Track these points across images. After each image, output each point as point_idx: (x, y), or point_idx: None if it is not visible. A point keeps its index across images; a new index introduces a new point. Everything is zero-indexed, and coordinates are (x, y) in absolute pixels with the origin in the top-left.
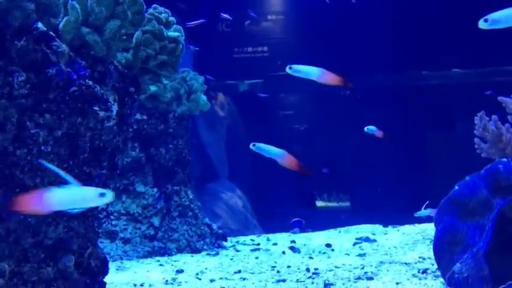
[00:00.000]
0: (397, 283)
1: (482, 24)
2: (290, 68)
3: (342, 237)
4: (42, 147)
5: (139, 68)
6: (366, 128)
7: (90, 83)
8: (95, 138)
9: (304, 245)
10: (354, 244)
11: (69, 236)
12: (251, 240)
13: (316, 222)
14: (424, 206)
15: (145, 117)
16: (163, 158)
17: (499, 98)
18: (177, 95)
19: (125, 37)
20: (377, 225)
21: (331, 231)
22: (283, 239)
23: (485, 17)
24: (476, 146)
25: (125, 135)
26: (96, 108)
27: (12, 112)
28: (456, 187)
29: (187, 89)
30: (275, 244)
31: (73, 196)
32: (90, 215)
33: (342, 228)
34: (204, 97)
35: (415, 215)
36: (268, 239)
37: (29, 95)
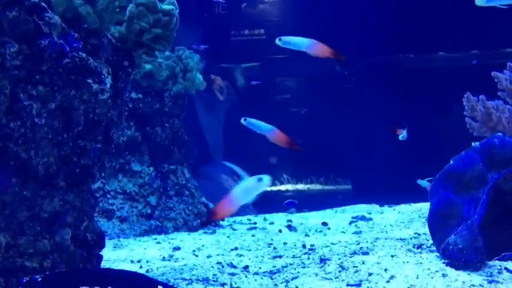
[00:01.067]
0: (392, 256)
1: (478, 2)
2: (280, 39)
3: (339, 216)
4: (36, 120)
5: (133, 41)
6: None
7: (84, 55)
8: (89, 112)
9: (301, 223)
10: (350, 223)
11: (64, 209)
12: (248, 219)
13: (313, 205)
14: (427, 180)
15: (140, 95)
16: (159, 137)
17: (493, 73)
18: (173, 74)
19: (118, 9)
20: (373, 205)
21: (328, 211)
22: (279, 218)
23: None
24: (468, 126)
25: (119, 109)
26: (89, 80)
27: (5, 84)
28: (451, 161)
29: (183, 68)
30: (272, 223)
31: (247, 189)
32: (86, 188)
33: (339, 208)
34: (200, 76)
35: (417, 182)
36: (265, 219)
37: (22, 67)
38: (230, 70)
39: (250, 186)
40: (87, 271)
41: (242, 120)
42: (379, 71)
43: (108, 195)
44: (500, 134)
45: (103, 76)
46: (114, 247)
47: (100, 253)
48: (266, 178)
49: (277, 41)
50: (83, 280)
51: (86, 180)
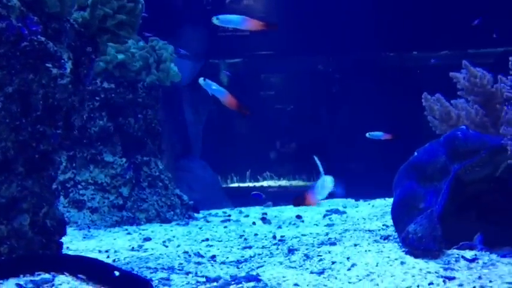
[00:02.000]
0: (355, 245)
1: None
2: (217, 18)
3: (314, 209)
4: None
5: (97, 27)
6: (368, 134)
7: (43, 39)
8: (48, 96)
9: (275, 216)
10: (324, 216)
11: (23, 195)
12: (223, 212)
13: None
14: None
15: (113, 85)
16: (132, 128)
17: (451, 74)
18: (146, 64)
19: None
20: (349, 200)
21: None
22: (255, 211)
23: None
24: (430, 124)
25: (81, 95)
26: (48, 65)
27: None
28: (416, 153)
29: (157, 58)
30: (247, 216)
31: (323, 186)
32: (46, 175)
33: None
34: (175, 68)
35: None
36: (240, 212)
37: None
38: (215, 66)
39: (326, 183)
40: (43, 256)
41: (201, 80)
42: (361, 68)
43: (79, 186)
44: (463, 127)
45: (63, 61)
46: (84, 237)
47: (60, 240)
48: (329, 178)
49: (214, 20)
50: (39, 265)
51: (46, 167)
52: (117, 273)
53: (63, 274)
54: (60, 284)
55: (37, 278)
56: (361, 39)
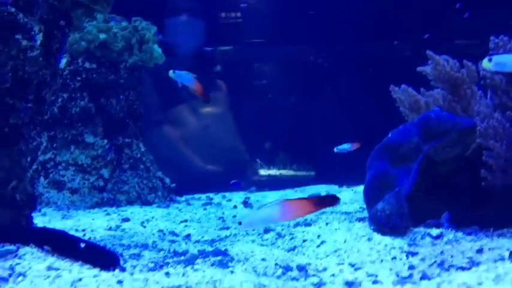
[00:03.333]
0: (326, 224)
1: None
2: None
3: (297, 195)
4: None
5: (71, 1)
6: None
7: (13, 9)
8: (17, 69)
9: (257, 201)
10: None
11: None
12: (206, 196)
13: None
14: None
15: (94, 66)
16: (114, 109)
17: (418, 69)
18: (128, 45)
19: None
20: (332, 186)
21: (288, 190)
22: (239, 196)
23: None
24: (403, 115)
25: (53, 69)
26: (18, 36)
27: None
28: (389, 134)
29: (139, 39)
30: (229, 200)
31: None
32: (16, 149)
33: (299, 188)
34: (159, 49)
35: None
36: (223, 196)
37: None
38: (207, 53)
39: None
40: (6, 228)
41: (171, 73)
42: (347, 58)
43: (60, 167)
44: (437, 108)
45: (33, 32)
46: (62, 217)
47: (31, 214)
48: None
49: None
50: (2, 236)
51: (16, 141)
52: (82, 245)
53: (28, 246)
54: (24, 255)
55: (1, 249)
56: (349, 29)
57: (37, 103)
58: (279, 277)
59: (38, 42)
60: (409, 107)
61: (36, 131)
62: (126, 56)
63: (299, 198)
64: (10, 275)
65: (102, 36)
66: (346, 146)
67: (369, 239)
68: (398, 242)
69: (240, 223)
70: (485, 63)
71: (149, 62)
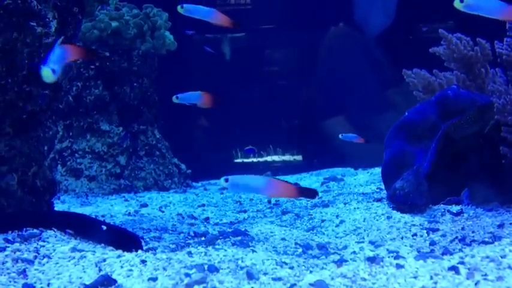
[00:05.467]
0: (345, 204)
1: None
2: (182, 7)
3: (312, 178)
4: None
5: None
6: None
7: None
8: (33, 56)
9: None
10: (322, 183)
11: (11, 155)
12: None
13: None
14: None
15: (107, 54)
16: (128, 96)
17: (431, 50)
18: (141, 32)
19: None
20: (348, 169)
21: (303, 174)
22: None
23: None
24: (418, 98)
25: None
26: (33, 23)
27: None
28: (406, 113)
29: (151, 26)
30: None
31: None
32: (34, 135)
33: (314, 172)
34: (170, 36)
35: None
36: None
37: None
38: (216, 40)
39: None
40: (30, 213)
41: (174, 99)
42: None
43: (76, 155)
44: (454, 86)
45: (47, 19)
46: (82, 204)
47: (51, 200)
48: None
49: (179, 9)
50: (27, 221)
51: (34, 127)
52: (104, 227)
53: (51, 230)
54: (47, 238)
55: (25, 233)
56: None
57: (54, 90)
58: (299, 255)
59: (53, 29)
60: (422, 89)
61: (52, 120)
62: (138, 44)
63: (285, 181)
64: (35, 257)
65: (114, 24)
66: (351, 136)
67: (388, 217)
68: (418, 220)
69: (226, 180)
70: (457, 3)
71: (161, 48)
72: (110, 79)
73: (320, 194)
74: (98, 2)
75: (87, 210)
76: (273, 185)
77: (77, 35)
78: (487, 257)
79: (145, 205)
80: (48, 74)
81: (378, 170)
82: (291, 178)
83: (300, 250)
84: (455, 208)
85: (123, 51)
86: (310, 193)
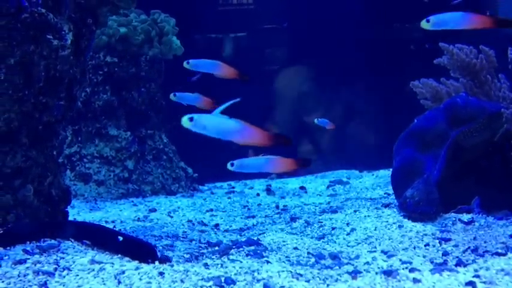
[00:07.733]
0: (355, 211)
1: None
2: (188, 63)
3: (318, 181)
4: None
5: None
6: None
7: (43, 10)
8: (50, 68)
9: (279, 188)
10: (328, 187)
11: (27, 165)
12: (228, 184)
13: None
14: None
15: (115, 59)
16: (135, 101)
17: (435, 61)
18: (148, 38)
19: None
20: (353, 171)
21: (308, 176)
22: (260, 183)
23: None
24: (425, 107)
25: (82, 66)
26: (49, 36)
27: None
28: (415, 121)
29: (159, 31)
30: (251, 188)
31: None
32: (50, 145)
33: (319, 174)
34: (177, 41)
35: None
36: (245, 184)
37: None
38: (218, 40)
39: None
40: (48, 223)
41: (172, 96)
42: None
43: (85, 160)
44: (463, 93)
45: (63, 32)
46: (91, 209)
47: (66, 209)
48: None
49: (185, 64)
50: (45, 232)
51: (50, 138)
52: (121, 238)
53: (69, 240)
54: (66, 249)
55: (43, 244)
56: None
57: (69, 100)
58: (312, 266)
59: (69, 41)
60: (431, 98)
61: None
62: (146, 49)
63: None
64: (55, 269)
65: (123, 30)
66: (324, 122)
67: (400, 226)
68: (430, 229)
69: (232, 164)
70: (424, 24)
71: (169, 54)
72: (118, 84)
73: (328, 199)
74: (111, 12)
75: (96, 216)
76: (276, 163)
77: (90, 46)
78: (502, 270)
79: (153, 210)
80: (185, 121)
81: (382, 173)
82: (296, 180)
83: (313, 260)
84: (466, 217)
85: (131, 56)
86: (307, 163)
